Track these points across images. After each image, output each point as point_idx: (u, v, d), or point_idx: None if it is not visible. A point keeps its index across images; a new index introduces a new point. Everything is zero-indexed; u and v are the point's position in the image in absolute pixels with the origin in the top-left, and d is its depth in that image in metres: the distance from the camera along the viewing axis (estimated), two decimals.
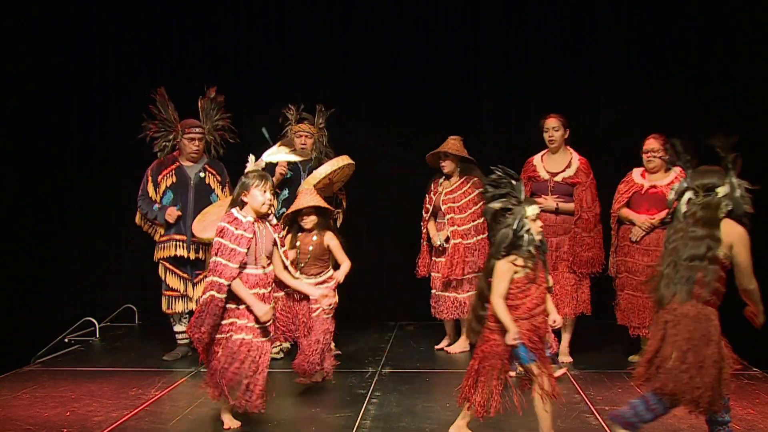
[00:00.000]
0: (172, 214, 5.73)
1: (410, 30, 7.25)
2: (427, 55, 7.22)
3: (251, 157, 4.51)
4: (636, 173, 5.60)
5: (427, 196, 6.09)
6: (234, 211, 4.23)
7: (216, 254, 4.14)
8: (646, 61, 6.90)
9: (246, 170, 4.37)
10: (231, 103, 6.14)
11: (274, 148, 5.38)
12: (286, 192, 5.90)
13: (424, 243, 6.10)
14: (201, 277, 5.81)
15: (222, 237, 4.15)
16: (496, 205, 3.83)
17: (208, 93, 5.92)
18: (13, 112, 6.42)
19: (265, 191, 4.21)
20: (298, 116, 5.95)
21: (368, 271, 6.83)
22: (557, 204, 5.64)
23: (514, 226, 3.77)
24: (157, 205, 5.79)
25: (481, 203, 5.92)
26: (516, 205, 3.81)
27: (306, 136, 5.92)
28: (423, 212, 6.09)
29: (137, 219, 5.92)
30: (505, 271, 3.78)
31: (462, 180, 6.00)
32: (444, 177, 6.04)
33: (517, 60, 7.18)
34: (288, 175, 5.90)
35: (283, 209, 5.86)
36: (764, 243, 4.13)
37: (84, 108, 7.20)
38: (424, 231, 6.09)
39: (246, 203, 4.23)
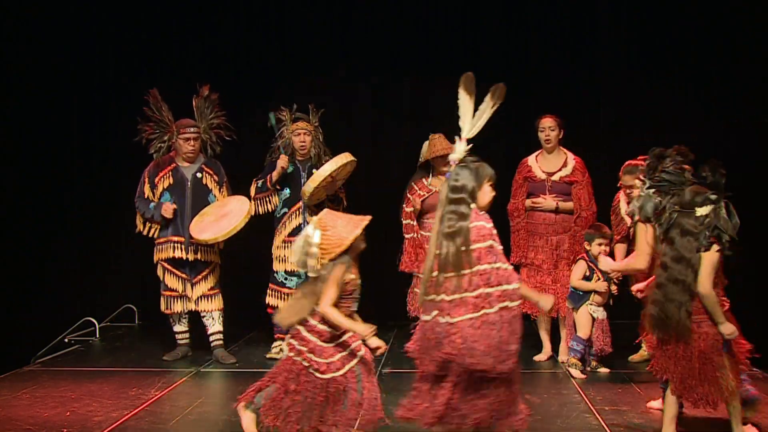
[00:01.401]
0: (168, 209, 5.70)
1: (410, 30, 7.25)
2: (427, 55, 7.22)
3: (463, 135, 3.65)
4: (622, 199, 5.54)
5: (411, 196, 5.99)
6: (475, 208, 3.49)
7: (492, 261, 3.36)
8: (646, 61, 6.91)
9: (455, 155, 3.63)
10: (231, 103, 6.13)
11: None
12: (287, 191, 5.86)
13: (409, 237, 6.01)
14: (200, 277, 5.82)
15: (495, 240, 3.40)
16: (713, 196, 3.56)
17: (202, 91, 5.90)
18: (13, 112, 6.42)
19: (491, 188, 3.54)
20: (293, 116, 5.95)
21: (368, 271, 6.81)
22: (557, 203, 5.65)
23: (723, 213, 3.52)
24: (153, 203, 5.78)
25: None
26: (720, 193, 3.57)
27: (305, 134, 5.90)
28: (407, 207, 5.98)
29: (138, 222, 5.88)
30: (716, 261, 3.53)
31: None
32: (432, 176, 6.00)
33: (517, 60, 7.18)
34: (289, 169, 5.86)
35: (285, 209, 5.86)
36: None
37: (84, 108, 7.20)
38: (410, 234, 6.00)
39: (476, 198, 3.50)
